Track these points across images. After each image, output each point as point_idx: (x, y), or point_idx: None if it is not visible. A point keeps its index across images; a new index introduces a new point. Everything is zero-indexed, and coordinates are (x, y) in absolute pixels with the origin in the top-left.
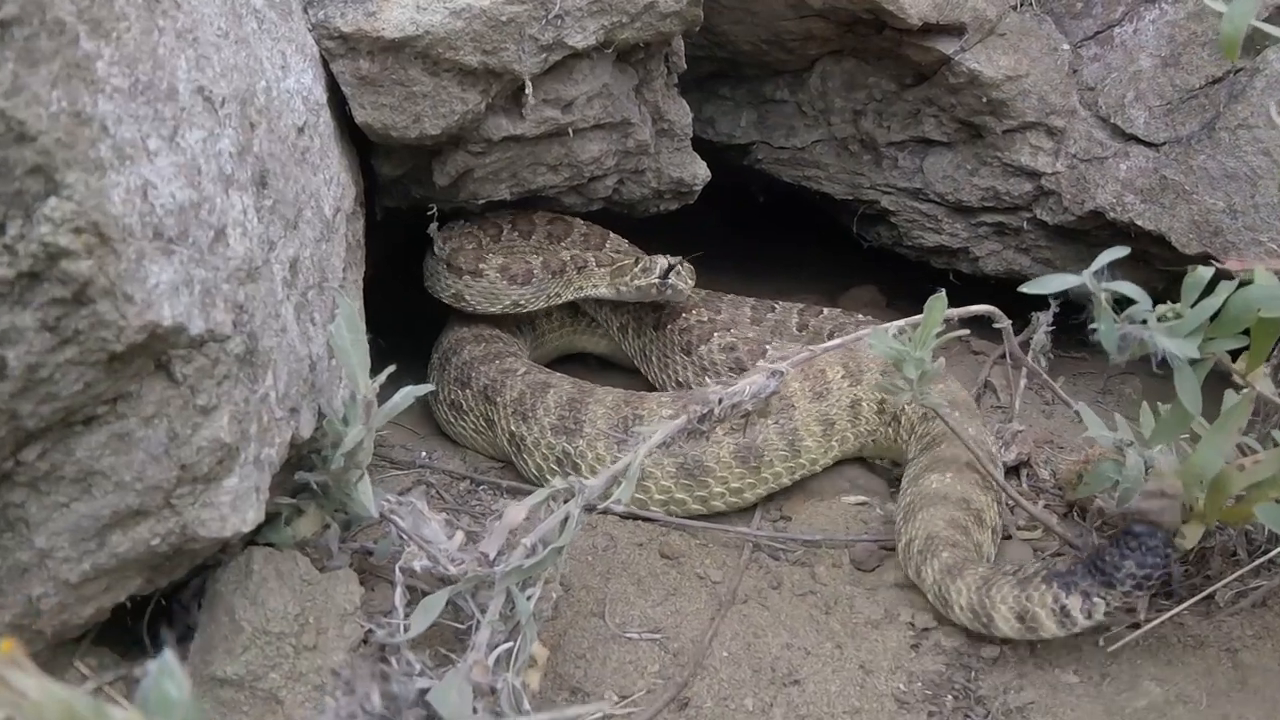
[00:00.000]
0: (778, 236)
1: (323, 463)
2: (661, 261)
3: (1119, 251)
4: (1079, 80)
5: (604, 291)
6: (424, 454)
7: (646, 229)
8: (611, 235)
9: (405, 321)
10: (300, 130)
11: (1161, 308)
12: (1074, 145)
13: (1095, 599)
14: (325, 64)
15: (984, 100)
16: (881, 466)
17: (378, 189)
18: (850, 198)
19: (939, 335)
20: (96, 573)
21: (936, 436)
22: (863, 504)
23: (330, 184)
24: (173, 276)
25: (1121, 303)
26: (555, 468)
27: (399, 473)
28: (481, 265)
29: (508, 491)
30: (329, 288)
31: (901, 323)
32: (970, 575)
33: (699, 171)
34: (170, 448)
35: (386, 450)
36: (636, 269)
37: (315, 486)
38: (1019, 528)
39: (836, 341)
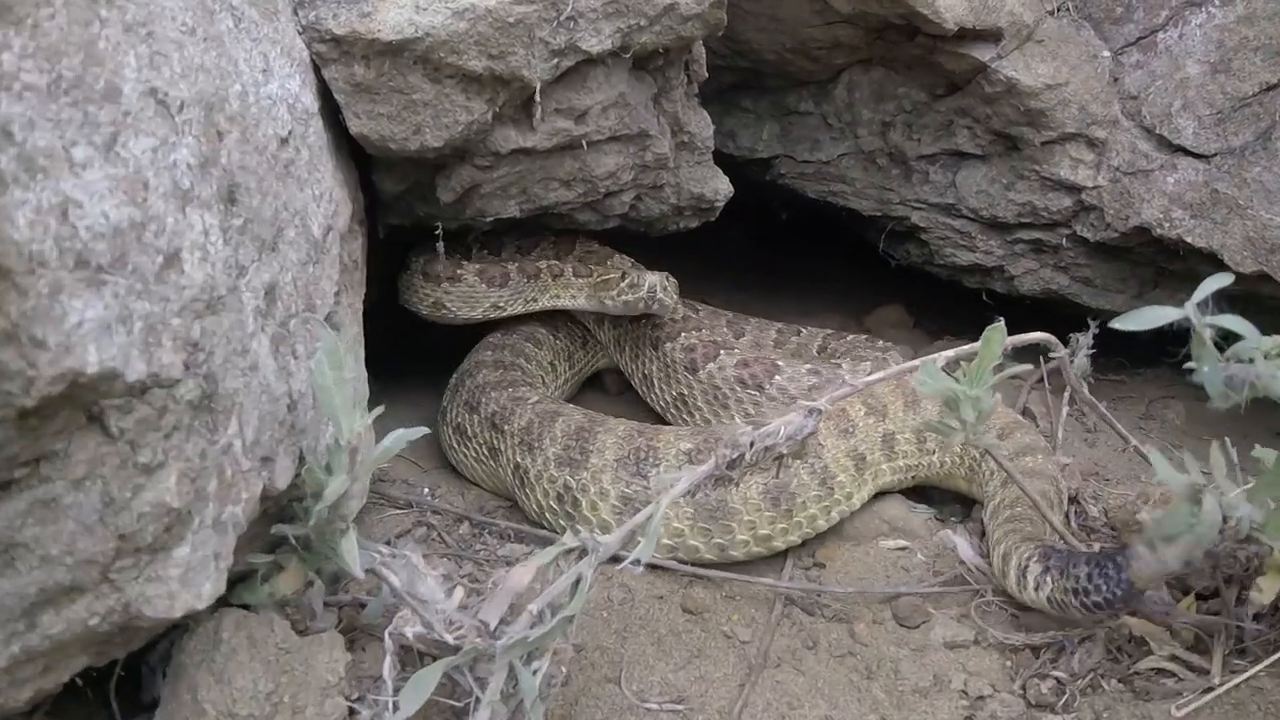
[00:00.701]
0: (801, 253)
1: (304, 514)
2: (650, 279)
3: (1222, 279)
4: (1121, 89)
5: (583, 303)
6: (426, 490)
7: (665, 247)
8: (616, 255)
9: (418, 346)
10: (284, 141)
11: (1272, 341)
12: (1117, 157)
13: (1048, 581)
14: (317, 70)
15: (1021, 110)
16: (930, 503)
17: (380, 205)
18: (878, 214)
19: (996, 369)
20: (28, 655)
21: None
22: (903, 549)
23: (320, 200)
24: (103, 313)
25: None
26: (555, 505)
27: (398, 512)
28: (459, 271)
29: (514, 536)
30: (314, 316)
31: (950, 354)
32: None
33: (721, 187)
34: (105, 515)
35: (386, 486)
36: (623, 284)
37: (295, 541)
38: None
39: (878, 374)
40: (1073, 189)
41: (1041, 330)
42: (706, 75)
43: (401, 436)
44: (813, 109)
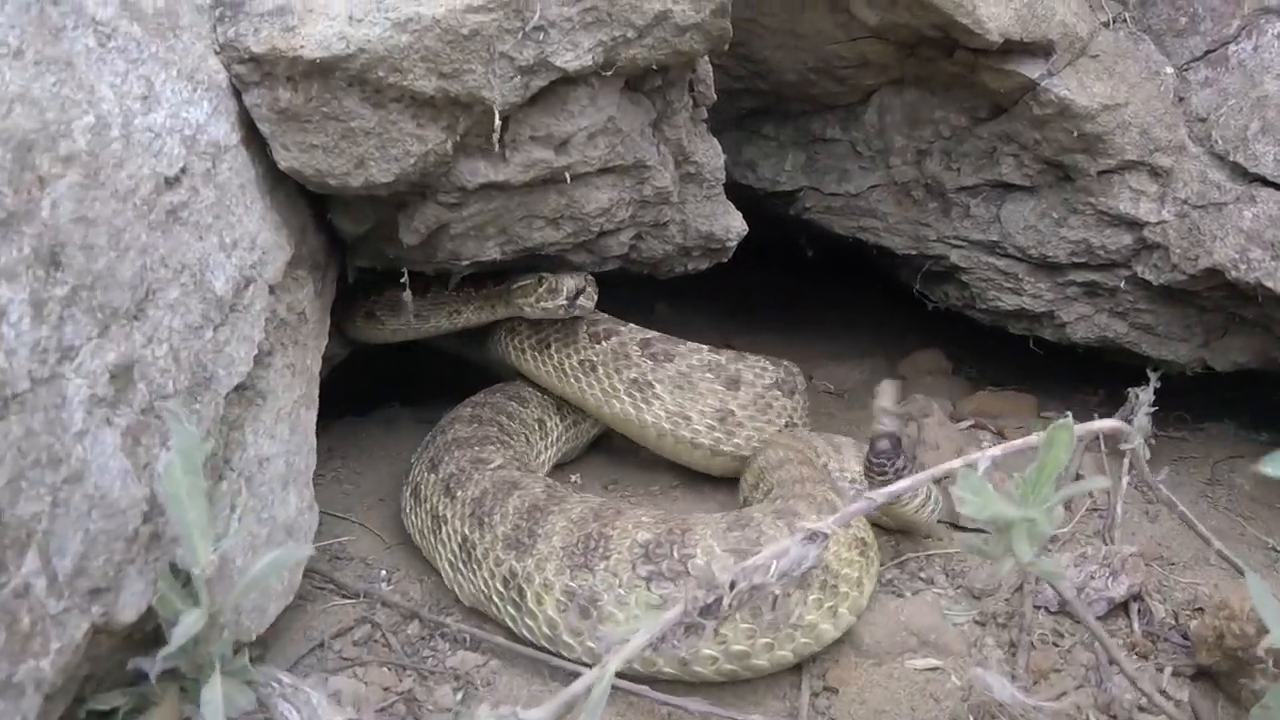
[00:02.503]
0: (832, 289)
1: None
2: (569, 283)
3: None
4: (1187, 110)
5: (504, 311)
6: (383, 572)
7: (680, 285)
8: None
9: (408, 392)
10: (170, 181)
11: None
12: (1184, 189)
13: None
14: (239, 95)
15: (1075, 135)
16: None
17: (349, 247)
18: (913, 252)
19: (1059, 479)
20: None
21: None
22: (934, 669)
23: (232, 248)
24: None
25: None
26: (501, 589)
27: (344, 603)
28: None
29: (469, 642)
30: (168, 406)
31: (997, 452)
32: None
33: (733, 224)
34: None
35: (339, 566)
36: (541, 289)
37: (155, 682)
38: (1139, 708)
39: (906, 482)
40: (1134, 224)
41: (1096, 385)
42: (715, 98)
43: (277, 563)
44: (840, 136)
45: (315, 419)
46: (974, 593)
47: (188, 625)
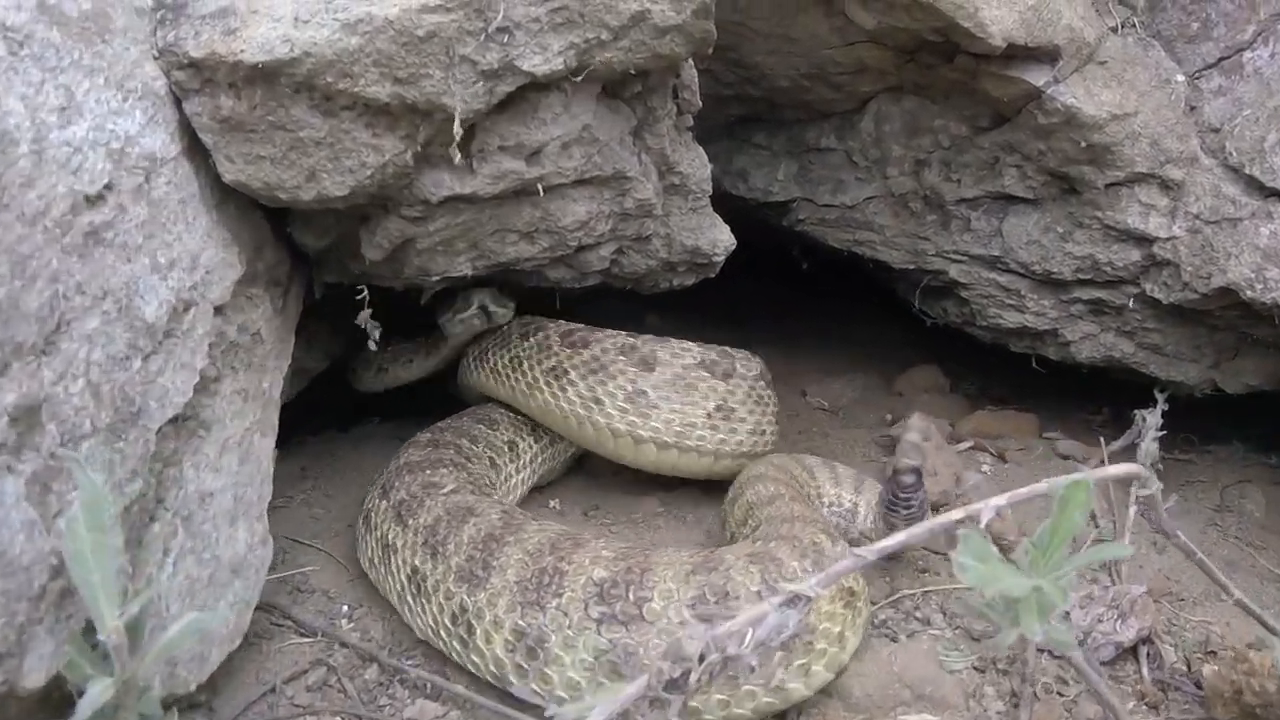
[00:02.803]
0: (826, 301)
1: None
2: (477, 295)
3: None
4: (1199, 120)
5: (445, 349)
6: (346, 608)
7: (667, 301)
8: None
9: (389, 408)
10: (92, 200)
11: None
12: (1196, 203)
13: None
14: (180, 104)
15: (1082, 145)
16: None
17: (314, 262)
18: (911, 266)
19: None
20: None
21: None
22: None
23: (168, 269)
24: None
25: None
26: (450, 626)
27: (300, 641)
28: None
29: (428, 690)
30: (71, 454)
31: (1003, 502)
32: None
33: (720, 238)
34: None
35: (299, 600)
36: (458, 304)
37: None
38: None
39: (898, 537)
40: (1143, 240)
41: (1100, 404)
42: (701, 105)
43: (194, 625)
44: (835, 145)
45: (273, 445)
46: (973, 634)
47: (94, 696)
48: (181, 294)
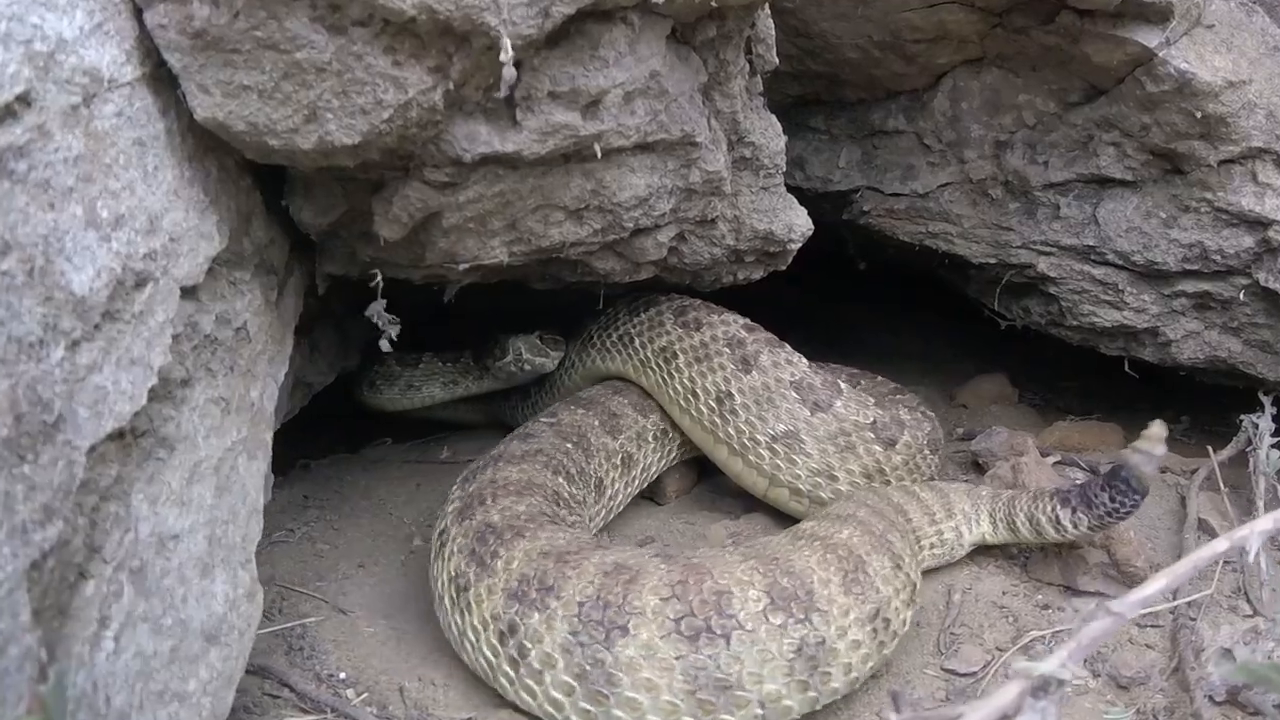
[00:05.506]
0: (863, 311)
1: None
2: (514, 343)
3: None
4: None
5: (485, 384)
6: (344, 676)
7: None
8: None
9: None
10: None
11: None
12: None
13: (1079, 515)
14: (141, 15)
15: (1198, 117)
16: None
17: (317, 247)
18: (992, 260)
19: None
20: None
21: None
22: None
23: (111, 227)
24: None
25: None
26: (496, 644)
27: (302, 719)
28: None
29: None
30: (37, 456)
31: (1269, 525)
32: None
33: (796, 222)
34: None
35: (297, 662)
36: (496, 350)
37: None
38: None
39: (1158, 583)
40: (1256, 224)
41: (1197, 408)
42: (777, 63)
43: None
44: (904, 126)
45: (264, 469)
46: (1120, 681)
47: None
48: (131, 263)
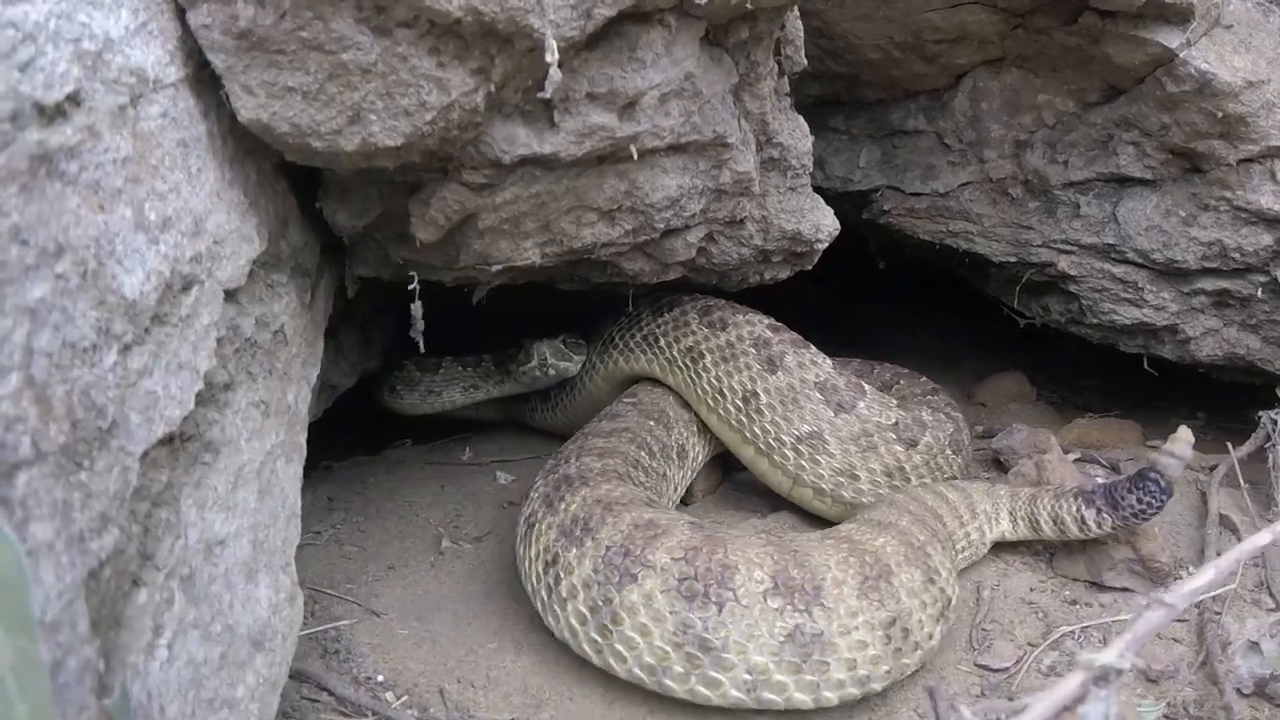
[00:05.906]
0: (874, 311)
1: None
2: (539, 347)
3: None
4: None
5: (506, 387)
6: (381, 679)
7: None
8: None
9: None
10: (48, 112)
11: None
12: None
13: (1104, 515)
14: (184, 16)
15: (1218, 117)
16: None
17: (348, 250)
18: (1013, 259)
19: None
20: None
21: None
22: None
23: (160, 230)
24: None
25: None
26: (586, 614)
27: None
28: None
29: None
30: (94, 462)
31: None
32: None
33: (823, 221)
34: None
35: (333, 665)
36: (520, 356)
37: None
38: None
39: (1206, 574)
40: (1276, 222)
41: (1213, 405)
42: (805, 64)
43: None
44: (924, 126)
45: (299, 473)
46: (1149, 675)
47: None
48: (179, 266)
